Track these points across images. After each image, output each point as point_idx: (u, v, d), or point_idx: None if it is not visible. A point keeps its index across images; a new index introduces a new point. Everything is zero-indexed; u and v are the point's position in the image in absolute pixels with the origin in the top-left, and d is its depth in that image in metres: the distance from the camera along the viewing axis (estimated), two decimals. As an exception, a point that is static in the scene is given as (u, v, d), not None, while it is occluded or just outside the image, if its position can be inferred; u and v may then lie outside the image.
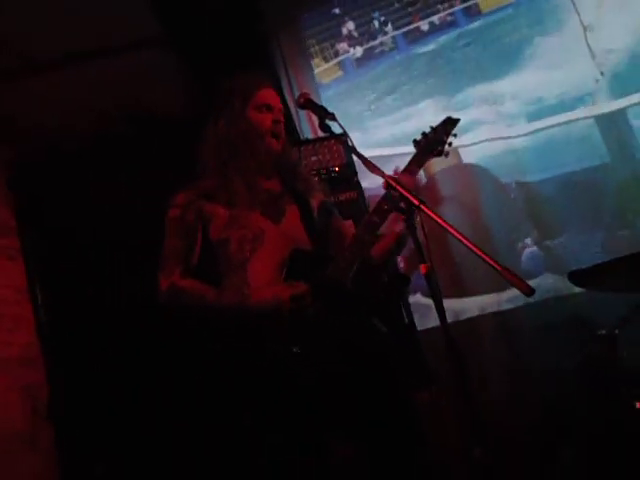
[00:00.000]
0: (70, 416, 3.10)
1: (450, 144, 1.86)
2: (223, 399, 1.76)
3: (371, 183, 2.81)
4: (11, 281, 3.18)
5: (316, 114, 1.79)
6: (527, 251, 3.33)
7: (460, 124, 1.89)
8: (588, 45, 3.43)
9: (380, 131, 3.53)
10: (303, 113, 3.27)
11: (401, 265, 2.88)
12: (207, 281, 1.83)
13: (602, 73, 3.39)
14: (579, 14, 3.46)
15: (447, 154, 1.86)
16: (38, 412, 3.06)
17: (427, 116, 3.43)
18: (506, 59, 3.52)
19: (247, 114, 1.88)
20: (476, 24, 3.60)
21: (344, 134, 1.75)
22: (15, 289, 3.20)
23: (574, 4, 3.47)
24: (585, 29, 3.43)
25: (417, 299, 3.03)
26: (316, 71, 3.61)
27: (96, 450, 3.05)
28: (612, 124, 3.39)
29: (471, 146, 3.45)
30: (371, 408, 1.71)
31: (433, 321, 1.56)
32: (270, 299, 1.69)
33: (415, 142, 1.86)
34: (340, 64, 3.63)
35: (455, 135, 1.87)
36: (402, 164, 1.84)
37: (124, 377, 3.10)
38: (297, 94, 3.29)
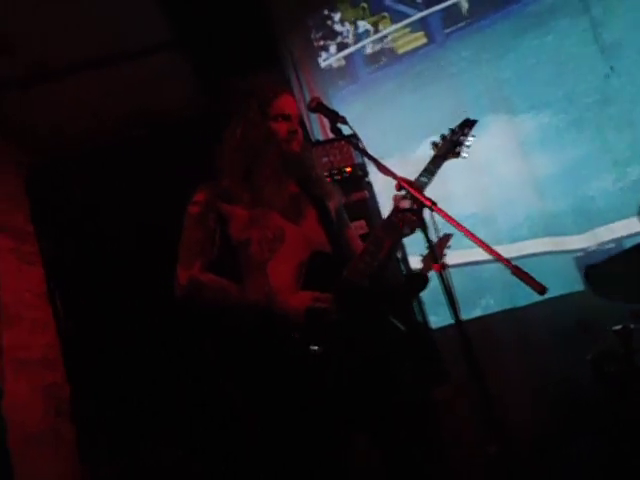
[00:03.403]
0: (92, 415, 3.15)
1: (468, 146, 1.90)
2: (242, 397, 1.78)
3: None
4: (31, 285, 3.24)
5: (327, 118, 1.81)
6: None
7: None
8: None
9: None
10: (314, 116, 3.29)
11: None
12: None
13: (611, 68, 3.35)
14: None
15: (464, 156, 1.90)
16: (61, 412, 3.11)
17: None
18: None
19: (264, 122, 1.88)
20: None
21: (355, 136, 1.78)
22: (35, 293, 3.26)
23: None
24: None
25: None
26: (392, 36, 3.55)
27: (116, 448, 3.10)
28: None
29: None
30: (389, 406, 1.73)
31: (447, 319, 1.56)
32: (292, 309, 1.70)
33: (433, 144, 1.90)
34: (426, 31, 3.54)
35: (474, 136, 1.91)
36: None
37: (143, 376, 3.15)
38: (307, 95, 3.32)
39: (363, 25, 3.68)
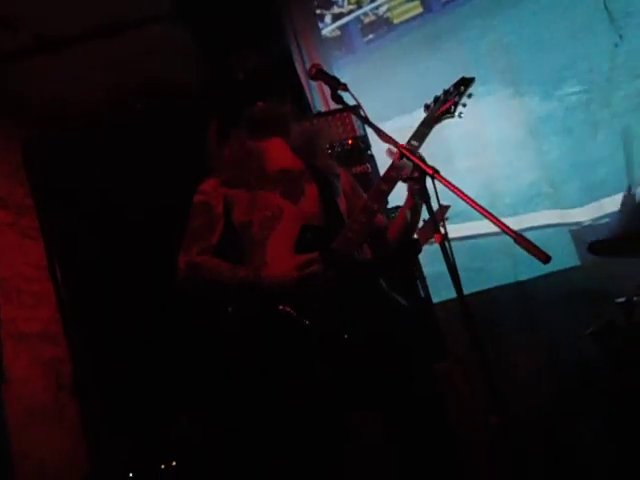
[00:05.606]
0: (94, 390, 3.16)
1: (464, 105, 1.81)
2: (240, 376, 1.77)
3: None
4: (31, 259, 3.23)
5: (328, 85, 1.77)
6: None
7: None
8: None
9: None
10: (315, 86, 3.24)
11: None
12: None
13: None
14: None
15: (460, 115, 1.81)
16: (63, 386, 3.12)
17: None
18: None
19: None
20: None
21: (357, 105, 1.73)
22: (35, 267, 3.25)
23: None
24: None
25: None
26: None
27: (121, 423, 3.12)
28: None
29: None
30: (390, 381, 1.69)
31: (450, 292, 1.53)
32: (278, 273, 1.69)
33: (426, 106, 1.84)
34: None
35: (470, 95, 1.81)
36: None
37: (145, 350, 3.15)
38: (308, 64, 3.25)
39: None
